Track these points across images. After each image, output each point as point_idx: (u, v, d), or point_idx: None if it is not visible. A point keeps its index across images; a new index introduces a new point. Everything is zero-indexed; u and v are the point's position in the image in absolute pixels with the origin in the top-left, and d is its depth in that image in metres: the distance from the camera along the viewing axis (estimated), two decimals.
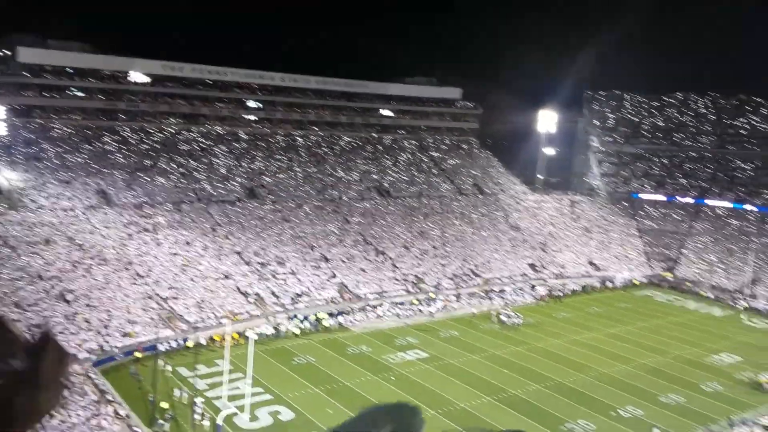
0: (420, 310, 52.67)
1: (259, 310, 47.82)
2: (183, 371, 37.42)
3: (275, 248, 56.80)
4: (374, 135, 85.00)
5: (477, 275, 61.17)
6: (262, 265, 53.88)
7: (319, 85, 80.00)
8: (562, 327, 50.46)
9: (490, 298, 57.21)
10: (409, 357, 41.80)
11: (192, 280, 48.86)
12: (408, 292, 55.64)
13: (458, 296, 56.34)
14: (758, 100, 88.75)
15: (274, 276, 52.73)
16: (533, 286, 61.03)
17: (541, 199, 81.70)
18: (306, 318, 47.64)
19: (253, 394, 33.45)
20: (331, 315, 48.70)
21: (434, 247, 64.62)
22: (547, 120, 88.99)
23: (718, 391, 38.42)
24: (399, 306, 52.50)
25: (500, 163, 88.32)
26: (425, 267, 60.36)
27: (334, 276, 55.10)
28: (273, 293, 50.34)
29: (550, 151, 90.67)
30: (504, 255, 66.38)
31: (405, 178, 78.49)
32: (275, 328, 45.54)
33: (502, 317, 50.87)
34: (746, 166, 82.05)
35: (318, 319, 47.79)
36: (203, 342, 42.10)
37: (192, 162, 67.31)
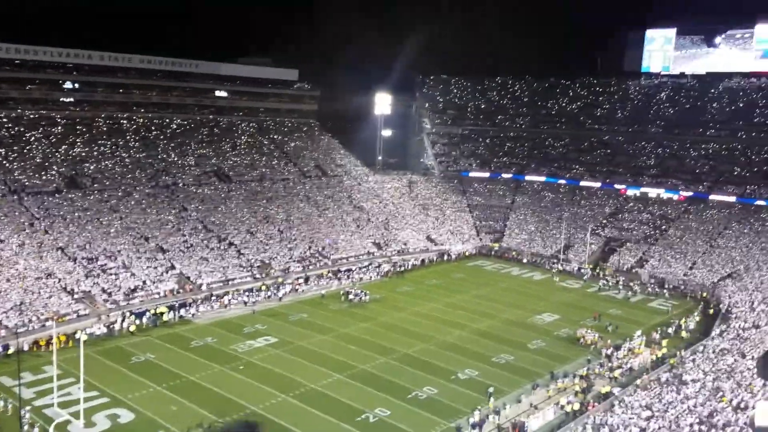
0: (268, 296, 52.11)
1: (88, 309, 44.23)
2: (5, 380, 33.74)
3: (104, 241, 52.74)
4: (210, 117, 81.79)
5: (324, 257, 61.80)
6: (90, 260, 49.81)
7: (143, 65, 74.74)
8: (405, 301, 52.88)
9: (338, 278, 58.17)
10: (258, 344, 41.29)
11: (8, 281, 43.85)
12: (255, 278, 54.74)
13: (307, 279, 56.55)
14: (565, 83, 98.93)
15: (103, 271, 49.02)
16: (378, 264, 63.10)
17: (382, 180, 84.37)
18: (143, 314, 44.95)
19: (88, 399, 31.11)
20: (171, 308, 46.39)
21: (280, 231, 64.09)
22: (383, 103, 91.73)
23: (542, 348, 42.77)
24: (246, 293, 51.48)
25: (341, 146, 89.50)
26: (272, 252, 59.72)
27: (173, 267, 52.53)
28: (103, 290, 46.83)
29: (387, 133, 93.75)
30: (350, 235, 67.74)
31: (246, 161, 76.63)
32: (108, 327, 42.46)
33: (350, 296, 52.06)
34: (557, 144, 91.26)
35: (157, 314, 45.32)
36: (26, 348, 38.20)
37: (1, 150, 60.03)
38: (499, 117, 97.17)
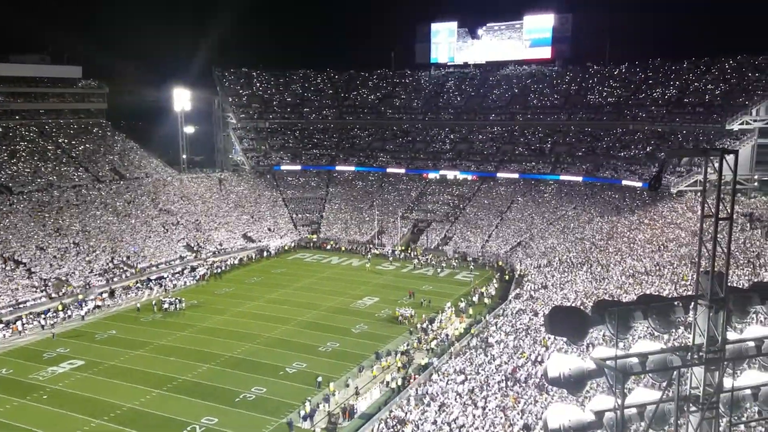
0: (69, 316, 47.27)
1: None
2: None
3: None
4: None
5: (131, 266, 57.60)
6: None
7: None
8: (225, 302, 51.43)
9: (150, 288, 54.62)
10: (61, 369, 37.40)
11: None
12: (51, 298, 49.28)
13: (112, 292, 52.28)
14: (364, 74, 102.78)
15: None
16: (193, 268, 60.41)
17: (189, 179, 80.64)
18: None
19: None
20: None
21: (75, 243, 58.32)
22: (182, 98, 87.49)
23: (366, 331, 44.49)
24: (42, 316, 46.15)
25: (139, 146, 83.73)
26: (68, 267, 54.17)
27: None
28: None
29: (190, 129, 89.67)
30: (158, 241, 63.85)
31: (28, 170, 68.28)
32: None
33: (164, 305, 49.25)
34: (363, 134, 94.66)
35: None
36: None
37: None
38: (305, 109, 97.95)
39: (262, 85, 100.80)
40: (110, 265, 56.90)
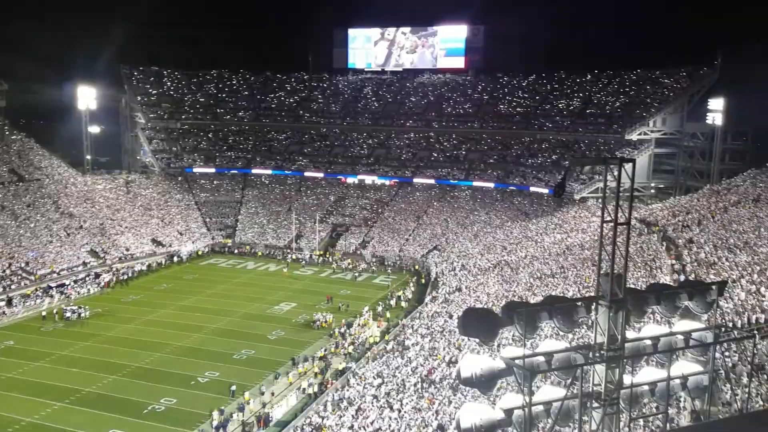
0: None
1: None
2: None
3: None
4: None
5: (30, 273, 53.93)
6: None
7: None
8: (132, 310, 49.16)
9: (50, 296, 51.32)
10: None
11: None
12: None
13: (9, 301, 48.71)
14: (281, 77, 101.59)
15: None
16: (97, 274, 57.37)
17: (94, 181, 76.57)
18: None
19: None
20: None
21: None
22: (87, 96, 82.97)
23: (282, 337, 43.83)
24: None
25: (40, 145, 78.59)
26: None
27: None
28: None
29: (95, 129, 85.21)
30: (59, 246, 60.18)
31: None
32: None
33: (67, 314, 46.46)
34: (280, 137, 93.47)
35: None
36: None
37: None
38: (219, 111, 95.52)
39: (174, 85, 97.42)
40: (8, 272, 53.05)
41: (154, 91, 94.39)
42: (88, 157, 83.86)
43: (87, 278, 56.37)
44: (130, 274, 59.09)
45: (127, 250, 64.68)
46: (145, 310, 49.25)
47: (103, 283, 55.90)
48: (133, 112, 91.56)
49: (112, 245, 64.46)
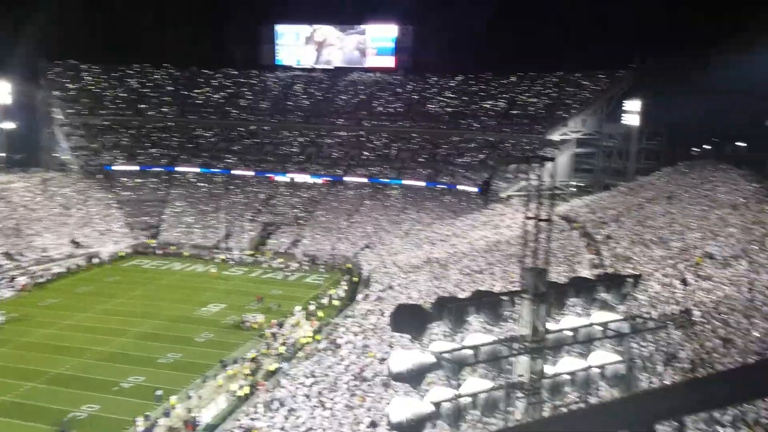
0: None
1: None
2: None
3: None
4: None
5: None
6: None
7: None
8: (51, 315, 46.72)
9: None
10: None
11: None
12: None
13: None
14: (208, 72, 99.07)
15: None
16: (12, 278, 54.18)
17: (7, 180, 72.20)
18: None
19: None
20: None
21: None
22: (0, 91, 78.07)
23: (210, 339, 42.78)
24: None
25: None
26: None
27: None
28: None
29: (9, 125, 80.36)
30: None
31: None
32: None
33: None
34: (207, 134, 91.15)
35: None
36: None
37: None
38: (142, 106, 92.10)
39: (93, 79, 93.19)
40: None
41: (73, 86, 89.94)
42: (2, 154, 79.21)
43: (1, 281, 53.18)
44: (47, 277, 56.16)
45: (44, 251, 61.40)
46: (64, 314, 46.90)
47: (18, 287, 52.88)
48: (50, 108, 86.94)
49: (28, 247, 61.03)
